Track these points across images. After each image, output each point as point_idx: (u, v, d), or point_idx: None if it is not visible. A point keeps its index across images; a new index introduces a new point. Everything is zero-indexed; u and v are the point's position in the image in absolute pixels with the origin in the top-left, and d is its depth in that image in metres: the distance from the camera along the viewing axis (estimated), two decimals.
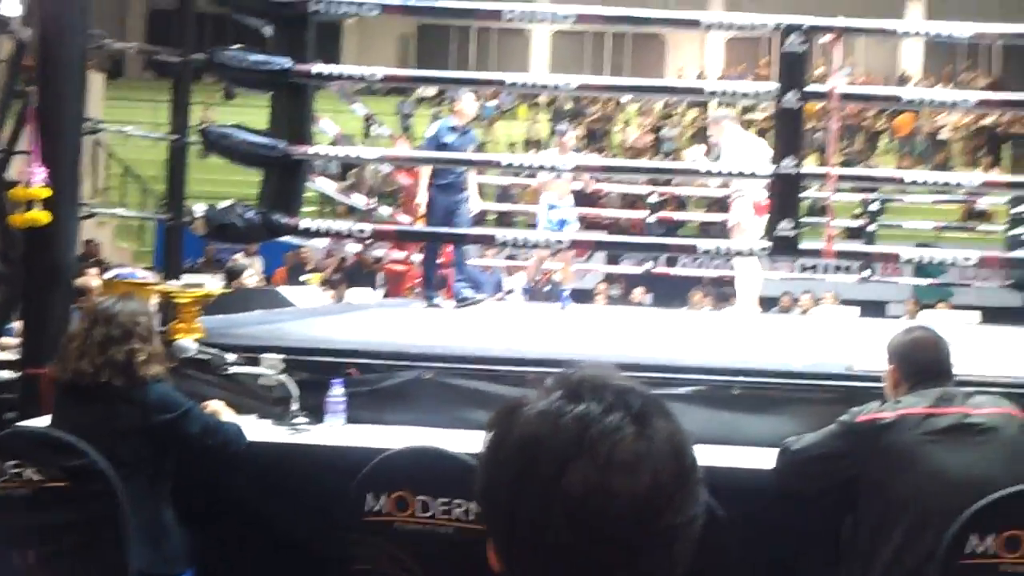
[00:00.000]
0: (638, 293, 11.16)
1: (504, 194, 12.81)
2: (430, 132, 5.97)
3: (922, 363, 2.52)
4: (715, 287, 11.24)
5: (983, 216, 12.58)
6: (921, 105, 4.91)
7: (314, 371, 2.90)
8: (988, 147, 16.68)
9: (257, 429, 2.69)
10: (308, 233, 3.29)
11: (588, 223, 9.28)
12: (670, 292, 11.05)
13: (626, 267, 9.90)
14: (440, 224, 5.48)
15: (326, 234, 3.33)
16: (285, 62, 3.28)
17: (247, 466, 2.59)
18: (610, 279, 11.01)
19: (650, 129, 17.37)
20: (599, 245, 6.31)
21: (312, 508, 2.47)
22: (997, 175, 11.20)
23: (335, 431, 2.73)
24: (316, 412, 2.79)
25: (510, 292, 10.33)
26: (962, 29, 3.86)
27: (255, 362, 2.85)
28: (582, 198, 10.53)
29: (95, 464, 2.27)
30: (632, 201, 11.63)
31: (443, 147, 5.60)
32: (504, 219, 12.30)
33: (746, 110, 14.26)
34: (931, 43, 20.72)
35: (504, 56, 20.43)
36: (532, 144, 17.08)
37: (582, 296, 10.88)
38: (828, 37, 3.59)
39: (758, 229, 5.98)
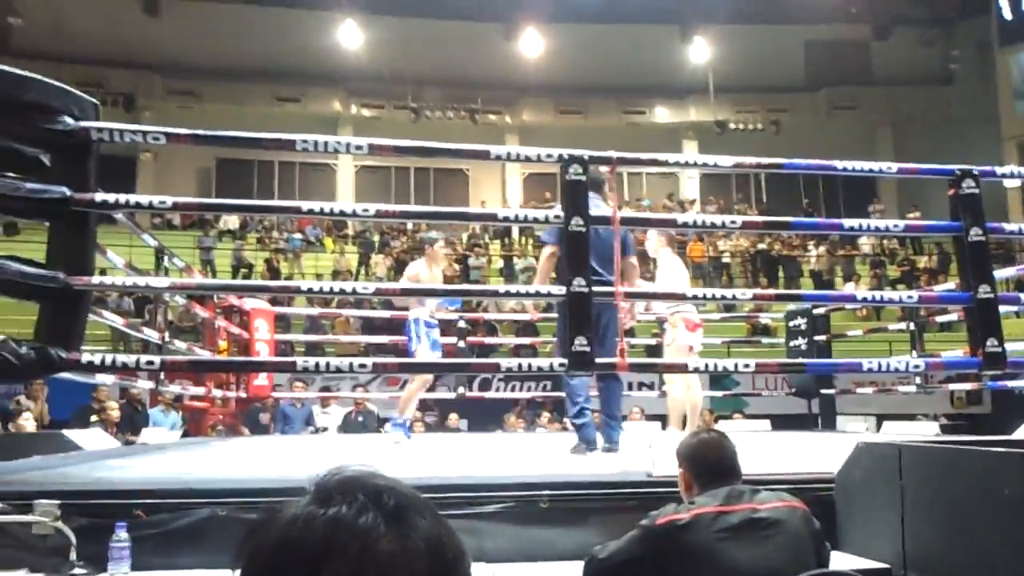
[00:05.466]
0: (453, 418, 11.16)
1: (313, 325, 12.62)
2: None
3: (710, 463, 2.65)
4: (529, 408, 11.48)
5: (766, 331, 13.64)
6: (694, 227, 5.33)
7: (95, 515, 2.66)
8: (764, 269, 18.35)
9: None
10: (91, 367, 3.07)
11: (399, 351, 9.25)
12: (485, 416, 11.15)
13: (440, 393, 9.83)
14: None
15: (110, 368, 3.13)
16: (65, 191, 3.14)
17: None
18: (424, 406, 10.94)
19: (456, 259, 17.82)
20: (409, 368, 6.25)
21: None
22: (769, 290, 12.22)
23: None
24: (99, 560, 2.56)
25: (324, 429, 9.92)
26: (724, 160, 4.28)
27: (28, 510, 2.59)
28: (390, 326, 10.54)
29: None
30: (442, 328, 11.73)
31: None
32: (312, 351, 12.06)
33: None
34: (707, 179, 22.83)
35: (308, 191, 20.30)
36: (340, 275, 17.08)
37: None
38: (606, 169, 3.87)
39: (693, 344, 6.20)
